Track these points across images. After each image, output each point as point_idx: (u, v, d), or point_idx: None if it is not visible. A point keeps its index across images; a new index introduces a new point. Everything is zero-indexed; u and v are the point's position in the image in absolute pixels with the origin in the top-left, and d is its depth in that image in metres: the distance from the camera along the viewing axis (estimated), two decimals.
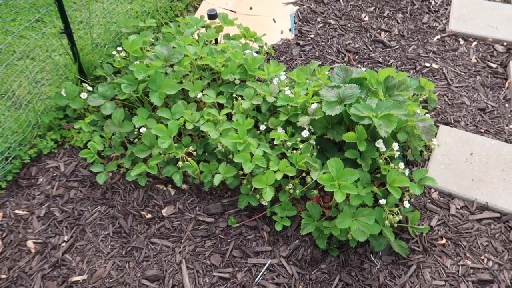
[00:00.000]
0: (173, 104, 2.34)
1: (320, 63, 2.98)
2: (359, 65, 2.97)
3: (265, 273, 1.91)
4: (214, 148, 2.24)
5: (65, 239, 2.04)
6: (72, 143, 2.45)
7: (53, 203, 2.18)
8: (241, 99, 2.32)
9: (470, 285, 1.84)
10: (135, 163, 2.27)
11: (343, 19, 3.37)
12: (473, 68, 2.95)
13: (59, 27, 2.38)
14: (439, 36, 3.20)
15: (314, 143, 2.05)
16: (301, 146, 2.05)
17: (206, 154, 2.32)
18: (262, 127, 2.24)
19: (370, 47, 3.11)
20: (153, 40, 2.87)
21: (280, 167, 2.02)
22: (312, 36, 3.21)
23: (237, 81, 2.47)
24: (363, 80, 2.11)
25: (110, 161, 2.36)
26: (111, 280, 1.90)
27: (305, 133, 2.06)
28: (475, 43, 3.15)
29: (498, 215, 2.08)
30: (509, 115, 2.62)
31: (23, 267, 1.94)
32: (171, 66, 2.56)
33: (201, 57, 2.55)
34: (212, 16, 2.90)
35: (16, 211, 2.14)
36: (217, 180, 2.06)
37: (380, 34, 3.23)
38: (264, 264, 1.93)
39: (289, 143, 2.08)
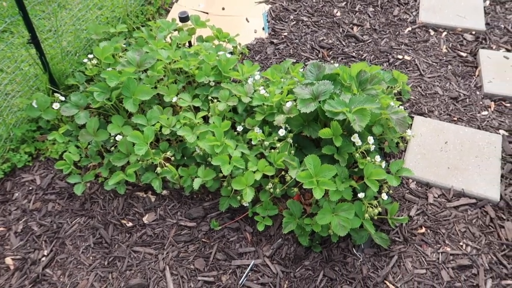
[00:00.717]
0: (148, 109, 2.31)
1: (294, 60, 3.00)
2: (333, 61, 3.00)
3: (250, 274, 1.91)
4: (193, 152, 2.23)
5: (45, 253, 2.00)
6: (47, 155, 2.40)
7: (30, 218, 2.14)
8: (217, 101, 2.31)
9: (451, 271, 1.89)
10: (113, 171, 2.24)
11: (315, 15, 3.39)
12: (444, 58, 3.01)
13: (27, 37, 2.33)
14: (410, 28, 3.25)
15: (291, 141, 2.06)
16: (278, 145, 2.06)
17: (185, 158, 2.30)
18: (239, 128, 2.24)
19: (343, 42, 3.14)
20: (125, 45, 2.83)
21: (259, 167, 2.02)
22: (286, 34, 3.22)
23: (212, 83, 2.46)
24: (336, 76, 2.13)
25: (88, 171, 2.33)
26: None
27: (281, 132, 2.06)
28: (445, 33, 3.21)
29: (474, 201, 2.13)
30: (481, 103, 2.68)
31: (3, 285, 1.89)
32: (145, 71, 2.54)
33: (175, 61, 2.53)
34: (184, 18, 2.88)
35: None
36: (196, 184, 2.05)
37: (352, 28, 3.26)
38: (248, 265, 1.93)
39: (266, 143, 2.08)
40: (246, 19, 3.38)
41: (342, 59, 3.02)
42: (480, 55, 2.94)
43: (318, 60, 3.00)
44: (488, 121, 2.56)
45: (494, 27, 3.21)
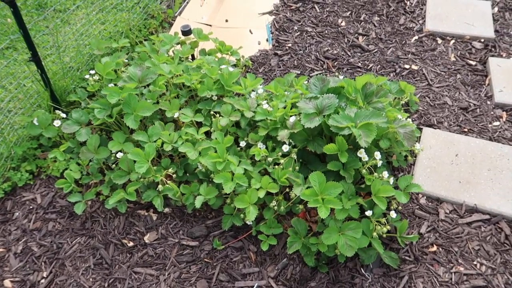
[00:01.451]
0: (151, 125, 2.27)
1: (299, 72, 2.94)
2: (339, 72, 2.94)
3: None
4: (195, 168, 2.18)
5: (44, 275, 1.96)
6: (49, 173, 2.37)
7: (30, 238, 2.10)
8: (219, 116, 2.27)
9: None
10: (115, 189, 2.20)
11: (319, 26, 3.34)
12: (453, 66, 2.94)
13: (30, 53, 2.31)
14: (416, 37, 3.19)
15: (295, 156, 2.00)
16: (282, 161, 2.00)
17: (188, 174, 2.25)
18: (242, 144, 2.19)
19: (348, 53, 3.08)
20: (127, 60, 2.81)
21: (262, 184, 1.96)
22: (290, 45, 3.18)
23: (214, 98, 2.42)
24: (340, 89, 2.07)
25: (89, 189, 2.29)
26: None
27: (285, 148, 2.00)
28: (452, 41, 3.14)
29: (487, 216, 2.05)
30: (492, 113, 2.60)
31: None
32: (147, 86, 2.51)
33: (177, 75, 2.49)
34: (186, 32, 2.86)
35: None
36: (198, 203, 1.99)
37: (357, 38, 3.21)
38: (252, 287, 1.86)
39: (270, 159, 2.02)
40: (250, 31, 3.35)
41: (347, 69, 2.96)
42: (489, 64, 2.86)
43: (323, 71, 2.95)
44: (500, 132, 2.47)
45: (504, 34, 3.13)
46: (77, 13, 3.55)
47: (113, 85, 2.41)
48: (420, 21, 3.31)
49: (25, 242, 2.08)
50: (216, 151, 2.03)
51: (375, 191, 1.84)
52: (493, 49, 3.02)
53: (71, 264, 1.99)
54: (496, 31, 3.16)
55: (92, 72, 2.58)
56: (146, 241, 2.05)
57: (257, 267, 1.93)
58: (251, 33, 3.33)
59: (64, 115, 2.44)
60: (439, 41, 3.15)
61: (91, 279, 1.94)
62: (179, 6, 3.65)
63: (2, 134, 2.32)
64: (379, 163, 1.89)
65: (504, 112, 2.59)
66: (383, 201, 1.81)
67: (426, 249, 1.95)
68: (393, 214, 1.87)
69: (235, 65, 2.96)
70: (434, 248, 1.95)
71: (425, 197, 2.17)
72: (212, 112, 2.32)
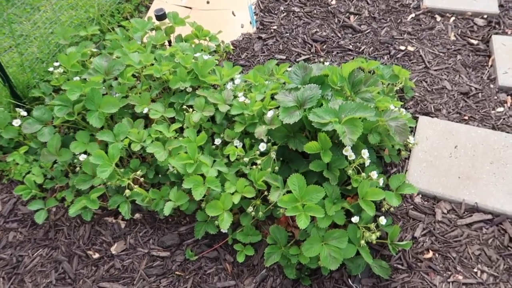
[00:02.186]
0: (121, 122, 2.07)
1: (284, 57, 2.70)
2: (328, 56, 2.70)
3: None
4: (167, 169, 1.98)
5: None
6: (11, 177, 2.18)
7: None
8: (192, 111, 2.05)
9: None
10: (80, 194, 2.01)
11: (308, 5, 3.08)
12: (453, 47, 2.69)
13: None
14: (413, 15, 2.93)
15: (274, 155, 1.79)
16: (260, 161, 1.79)
17: (160, 176, 2.06)
18: (218, 141, 1.98)
19: (339, 34, 2.83)
20: (96, 50, 2.58)
21: (237, 188, 1.76)
22: (275, 27, 2.92)
23: (189, 89, 2.20)
24: (324, 78, 1.84)
25: (54, 193, 2.10)
26: None
27: (262, 146, 1.79)
28: (453, 18, 2.88)
29: (489, 216, 1.84)
30: (495, 97, 2.37)
31: None
32: (116, 78, 2.29)
33: (148, 66, 2.27)
34: (160, 16, 2.61)
35: None
36: (167, 209, 1.80)
37: (349, 18, 2.95)
38: None
39: (246, 159, 1.82)
40: (233, 13, 3.09)
41: (337, 53, 2.72)
42: (493, 42, 2.61)
43: (311, 55, 2.71)
44: (504, 119, 2.25)
45: (509, 9, 2.87)
46: None
47: (79, 78, 2.20)
48: None
49: None
50: (187, 151, 1.83)
51: (363, 194, 1.64)
52: (497, 26, 2.76)
53: (31, 280, 1.81)
54: (500, 5, 2.89)
55: (56, 64, 2.36)
56: (113, 252, 1.87)
57: (234, 279, 1.75)
58: (234, 15, 3.08)
59: (25, 113, 2.23)
60: (438, 18, 2.89)
61: None
62: None
63: None
64: (367, 162, 1.68)
65: (509, 97, 2.36)
66: (371, 206, 1.61)
67: (420, 255, 1.75)
68: (382, 221, 1.67)
69: (215, 51, 2.73)
70: (430, 254, 1.75)
71: (420, 195, 1.97)
72: (185, 106, 2.10)
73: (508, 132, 2.16)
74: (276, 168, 1.80)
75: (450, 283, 1.66)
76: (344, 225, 1.69)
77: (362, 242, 1.64)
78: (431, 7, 2.93)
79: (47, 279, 1.81)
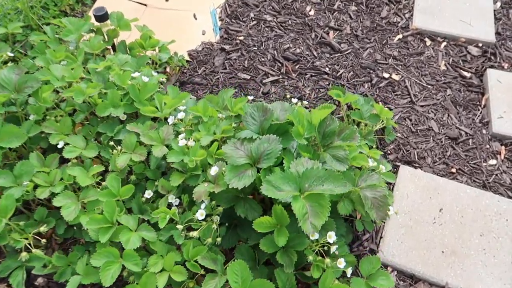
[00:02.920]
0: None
1: (249, 77, 2.28)
2: (300, 78, 2.30)
3: None
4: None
5: None
6: None
7: None
8: (121, 150, 1.61)
9: None
10: None
11: (282, 13, 2.65)
12: (443, 78, 2.33)
13: None
14: (401, 36, 2.55)
15: (217, 223, 1.39)
16: (196, 232, 1.38)
17: (75, 228, 1.62)
18: (148, 194, 1.56)
19: (315, 52, 2.43)
20: (16, 53, 2.09)
21: (165, 265, 1.35)
22: (242, 37, 2.49)
23: (123, 117, 1.76)
24: (288, 127, 1.44)
25: None
26: None
27: (201, 215, 1.38)
28: (444, 43, 2.52)
29: None
30: (487, 146, 2.03)
31: None
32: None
33: (73, 83, 1.81)
34: (101, 17, 2.13)
35: None
36: (72, 285, 1.37)
37: (328, 34, 2.55)
38: None
39: (180, 226, 1.40)
40: (194, 16, 2.64)
41: (311, 76, 2.32)
42: (488, 77, 2.27)
43: (280, 76, 2.30)
44: (497, 175, 1.92)
45: (506, 38, 2.53)
46: None
47: None
48: (407, 15, 2.66)
49: None
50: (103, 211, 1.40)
51: None
52: (492, 58, 2.42)
53: None
54: (497, 33, 2.55)
55: None
56: None
57: None
58: (196, 19, 2.63)
59: None
60: (428, 42, 2.53)
61: None
62: None
63: None
64: (334, 248, 1.30)
65: (503, 147, 2.03)
66: None
67: None
68: None
69: (166, 63, 2.28)
70: None
71: (395, 273, 1.61)
72: (112, 143, 1.67)
73: (501, 194, 1.83)
74: (218, 239, 1.40)
75: None
76: None
77: None
78: (421, 29, 2.56)
79: None
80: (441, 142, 2.05)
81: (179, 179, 1.50)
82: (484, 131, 2.09)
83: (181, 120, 1.68)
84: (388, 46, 2.50)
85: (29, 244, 1.43)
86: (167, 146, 1.58)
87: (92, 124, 1.81)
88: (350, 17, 2.65)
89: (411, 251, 1.64)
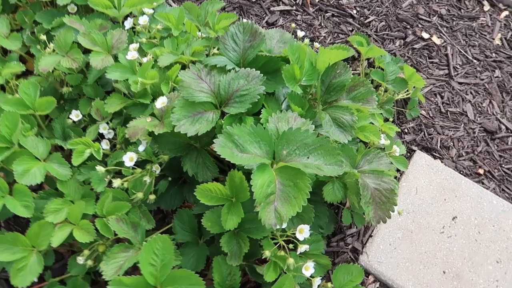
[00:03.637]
0: None
1: (235, 9, 1.80)
2: (317, 15, 1.81)
3: None
4: None
5: None
6: None
7: None
8: (52, 49, 1.18)
9: None
10: None
11: None
12: (494, 55, 1.85)
13: None
14: None
15: (149, 178, 0.99)
16: (124, 182, 0.98)
17: None
18: (77, 115, 1.15)
19: None
20: None
21: (70, 217, 0.97)
22: None
23: (72, 8, 1.31)
24: (280, 65, 1.00)
25: None
26: None
27: (130, 159, 0.98)
28: (506, 13, 2.00)
29: None
30: None
31: None
32: None
33: None
34: None
35: None
36: None
37: None
38: None
39: (100, 168, 1.00)
40: None
41: (332, 15, 1.83)
42: None
43: (294, 8, 1.81)
44: None
45: None
46: None
47: None
48: None
49: None
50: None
51: None
52: None
53: None
54: None
55: None
56: None
57: None
58: None
59: None
60: (486, 7, 2.01)
61: None
62: None
63: None
64: (303, 249, 0.91)
65: None
66: None
67: None
68: None
69: None
70: None
71: (378, 284, 1.25)
72: (44, 37, 1.22)
73: None
74: (152, 197, 1.01)
75: None
76: None
77: None
78: None
79: None
80: (474, 133, 1.62)
81: (118, 104, 1.08)
82: None
83: (144, 28, 1.23)
84: (436, 1, 1.98)
85: None
86: (115, 57, 1.15)
87: (34, 11, 1.36)
88: None
89: (404, 262, 1.26)
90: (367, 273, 1.26)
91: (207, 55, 1.13)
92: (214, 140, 0.79)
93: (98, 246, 0.99)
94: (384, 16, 1.87)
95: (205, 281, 0.80)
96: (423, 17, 1.91)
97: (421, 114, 1.63)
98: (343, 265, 1.02)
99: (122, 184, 0.99)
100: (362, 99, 1.02)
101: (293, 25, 1.74)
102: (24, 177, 0.96)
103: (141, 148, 1.01)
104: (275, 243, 0.93)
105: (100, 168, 0.98)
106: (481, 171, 1.52)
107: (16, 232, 0.92)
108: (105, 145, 1.09)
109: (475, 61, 1.82)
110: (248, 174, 0.83)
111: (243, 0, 1.78)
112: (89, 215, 0.99)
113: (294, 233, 0.92)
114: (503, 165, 1.55)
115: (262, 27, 1.73)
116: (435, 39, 1.86)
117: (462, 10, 1.98)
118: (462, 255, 1.29)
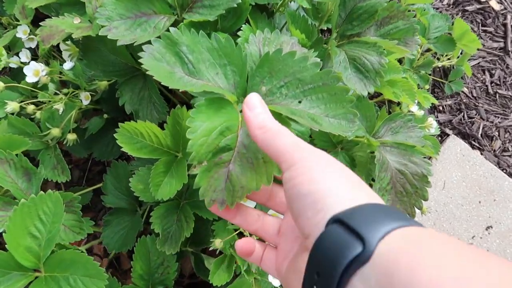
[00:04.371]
0: None
1: None
2: None
3: None
4: None
5: None
6: None
7: None
8: None
9: None
10: None
11: None
12: None
13: None
14: None
15: (61, 107, 0.67)
16: (22, 104, 0.67)
17: None
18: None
19: None
20: None
21: None
22: None
23: None
24: None
25: None
26: None
27: (34, 73, 0.66)
28: None
29: None
30: None
31: None
32: None
33: None
34: None
35: None
36: None
37: None
38: None
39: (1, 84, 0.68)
40: None
41: None
42: None
43: None
44: None
45: None
46: None
47: None
48: None
49: None
50: None
51: None
52: None
53: None
54: None
55: None
56: None
57: None
58: None
59: None
60: None
61: None
62: None
63: None
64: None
65: None
66: None
67: None
68: None
69: None
70: None
71: None
72: None
73: None
74: (71, 137, 0.69)
75: None
76: None
77: None
78: None
79: None
80: None
81: None
82: None
83: None
84: None
85: None
86: None
87: None
88: None
89: None
90: None
91: None
92: (143, 46, 0.46)
93: None
94: None
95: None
96: None
97: (462, 91, 1.28)
98: None
99: (34, 113, 0.68)
100: (397, 37, 0.68)
101: None
102: None
103: (67, 65, 0.69)
104: (235, 230, 0.62)
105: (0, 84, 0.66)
106: None
107: None
108: (24, 57, 0.77)
109: None
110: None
111: None
112: None
113: None
114: None
115: None
116: (493, 3, 1.48)
117: None
118: None
